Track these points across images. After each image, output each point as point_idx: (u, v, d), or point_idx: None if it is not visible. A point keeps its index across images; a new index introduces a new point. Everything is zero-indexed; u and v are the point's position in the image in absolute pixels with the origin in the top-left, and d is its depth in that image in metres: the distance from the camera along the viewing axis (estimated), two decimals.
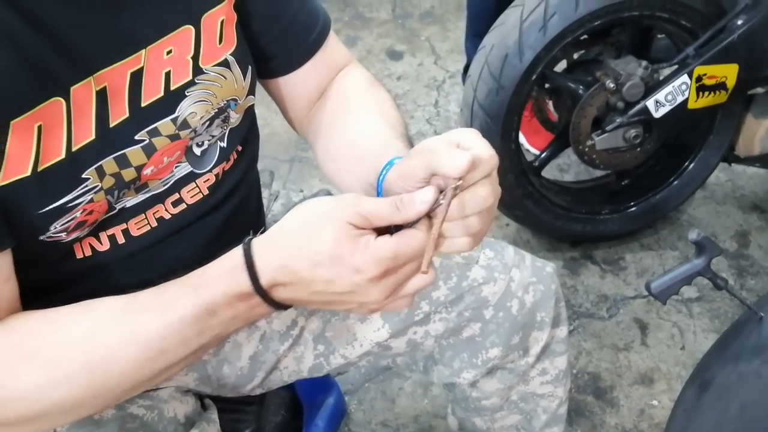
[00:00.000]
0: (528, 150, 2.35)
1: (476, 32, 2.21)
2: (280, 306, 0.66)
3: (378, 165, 0.76)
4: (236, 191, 0.90)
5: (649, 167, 2.01)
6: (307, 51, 0.90)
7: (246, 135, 0.89)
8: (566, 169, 2.33)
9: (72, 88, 0.67)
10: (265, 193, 1.12)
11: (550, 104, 1.99)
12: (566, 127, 1.76)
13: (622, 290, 1.97)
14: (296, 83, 0.92)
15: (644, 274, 2.01)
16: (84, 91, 0.68)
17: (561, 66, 1.86)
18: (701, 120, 1.83)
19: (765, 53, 1.64)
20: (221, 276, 0.65)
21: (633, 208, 2.01)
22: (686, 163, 1.97)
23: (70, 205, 0.70)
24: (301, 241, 0.62)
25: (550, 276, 1.02)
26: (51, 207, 0.69)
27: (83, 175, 0.70)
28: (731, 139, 1.92)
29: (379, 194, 0.76)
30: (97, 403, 0.69)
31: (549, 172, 2.21)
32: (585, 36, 1.67)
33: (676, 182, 1.99)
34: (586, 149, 1.73)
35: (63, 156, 0.68)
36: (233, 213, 0.90)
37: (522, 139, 2.36)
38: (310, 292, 0.64)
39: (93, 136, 0.70)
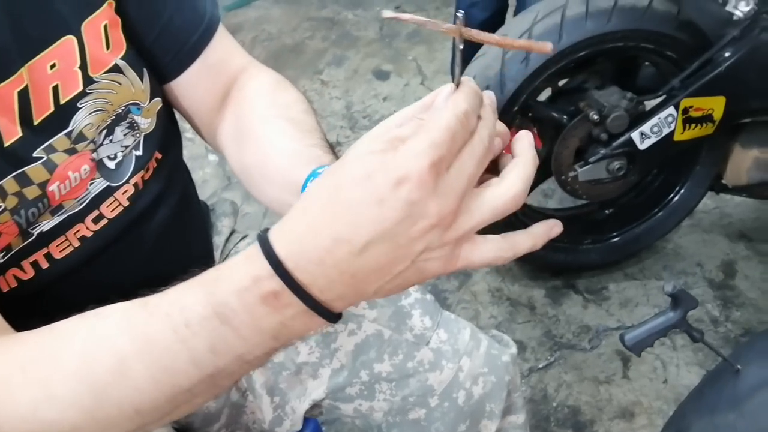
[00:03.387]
0: None
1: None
2: (321, 307, 0.48)
3: (296, 180, 0.70)
4: (162, 200, 0.85)
5: (633, 197, 1.98)
6: (191, 52, 0.84)
7: (164, 140, 0.85)
8: (550, 194, 2.30)
9: None
10: (225, 222, 1.08)
11: (534, 131, 1.96)
12: (549, 156, 1.74)
13: (605, 321, 1.94)
14: (186, 88, 0.86)
15: (627, 304, 1.98)
16: None
17: (546, 92, 1.84)
18: (687, 151, 1.80)
19: (752, 85, 1.61)
20: (233, 267, 0.50)
21: (616, 239, 1.98)
22: (671, 194, 1.95)
23: None
24: (324, 189, 0.48)
25: (504, 366, 0.98)
26: None
27: None
28: (719, 169, 1.90)
29: None
30: None
31: (533, 198, 2.19)
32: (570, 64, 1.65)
33: (660, 213, 1.96)
34: (569, 180, 1.71)
35: None
36: (166, 225, 0.86)
37: None
38: (355, 256, 0.46)
39: None
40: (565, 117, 1.68)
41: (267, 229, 0.49)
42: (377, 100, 2.73)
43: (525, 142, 0.52)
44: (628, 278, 2.06)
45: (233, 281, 0.49)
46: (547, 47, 0.51)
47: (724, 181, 1.92)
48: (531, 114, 1.76)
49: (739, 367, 0.96)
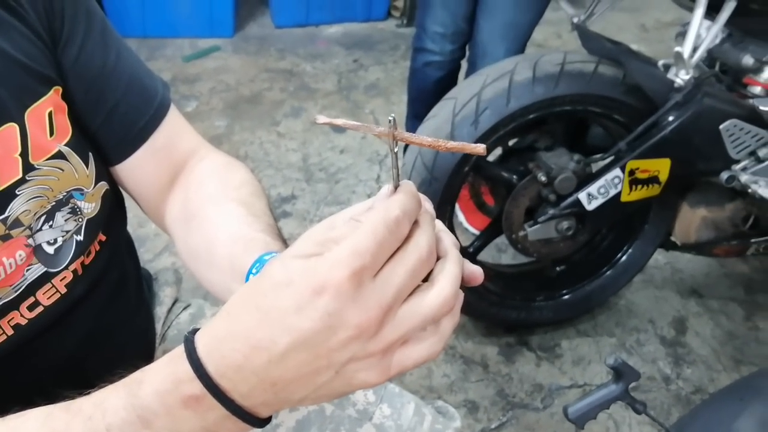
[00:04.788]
0: (467, 229, 2.33)
1: (416, 114, 2.22)
2: (244, 412, 0.47)
3: (241, 267, 0.69)
4: (101, 284, 0.82)
5: (584, 255, 2.00)
6: (139, 136, 0.82)
7: (107, 223, 0.82)
8: (504, 249, 2.31)
9: None
10: (167, 291, 1.05)
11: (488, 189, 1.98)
12: (500, 214, 1.74)
13: (558, 379, 1.93)
14: (133, 170, 0.84)
15: (580, 362, 1.98)
16: None
17: (497, 152, 1.86)
18: (636, 211, 1.82)
19: (696, 149, 1.64)
20: (156, 368, 0.49)
21: (567, 296, 1.99)
22: (621, 253, 1.97)
23: None
24: (247, 294, 0.47)
25: None
26: None
27: None
28: (668, 227, 1.92)
29: None
30: None
31: (486, 254, 2.19)
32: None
33: (610, 272, 1.97)
34: (519, 238, 1.71)
35: None
36: (104, 308, 0.83)
37: (461, 217, 2.34)
38: (274, 364, 0.45)
39: None
40: (514, 177, 1.70)
41: (195, 330, 0.49)
42: (334, 153, 2.73)
43: (447, 240, 0.51)
44: (581, 335, 2.06)
45: (155, 383, 0.48)
46: (480, 149, 0.50)
47: (673, 239, 1.95)
48: (482, 173, 1.78)
49: None
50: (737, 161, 1.66)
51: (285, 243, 0.73)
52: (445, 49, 2.12)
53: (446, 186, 1.60)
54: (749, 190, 1.67)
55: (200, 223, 0.80)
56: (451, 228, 1.75)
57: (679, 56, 1.52)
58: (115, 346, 0.87)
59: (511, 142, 1.87)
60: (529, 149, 1.79)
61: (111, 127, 0.81)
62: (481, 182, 1.97)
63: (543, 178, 1.61)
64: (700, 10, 1.49)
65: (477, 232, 2.23)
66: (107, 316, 0.84)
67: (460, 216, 2.35)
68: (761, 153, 1.65)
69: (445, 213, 1.67)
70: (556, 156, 1.64)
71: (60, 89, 0.75)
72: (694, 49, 1.55)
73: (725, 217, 1.85)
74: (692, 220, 1.86)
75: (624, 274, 2.00)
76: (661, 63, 1.65)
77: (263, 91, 3.11)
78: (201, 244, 0.78)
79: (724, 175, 1.66)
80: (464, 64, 2.25)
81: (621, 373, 0.94)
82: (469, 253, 1.88)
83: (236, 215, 0.77)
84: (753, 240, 1.88)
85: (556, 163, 1.62)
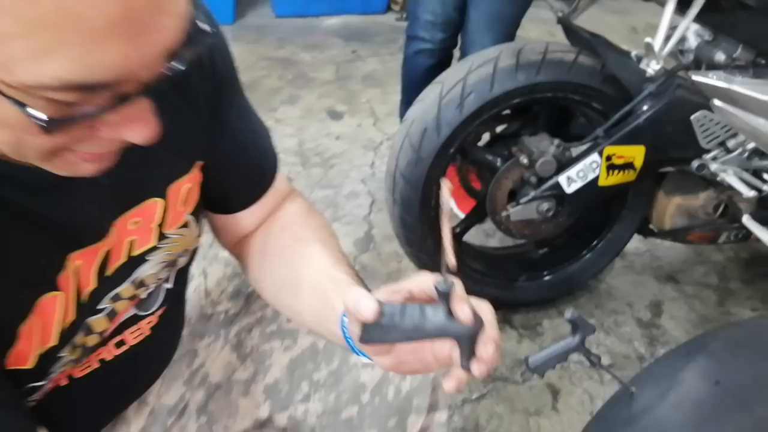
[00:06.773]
0: (457, 214, 2.42)
1: (409, 101, 2.30)
2: None
3: (332, 305, 0.75)
4: (173, 323, 0.92)
5: (566, 238, 2.09)
6: (261, 191, 0.91)
7: (187, 274, 0.91)
8: (492, 233, 2.40)
9: (57, 278, 0.67)
10: None
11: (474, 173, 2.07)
12: (486, 196, 1.83)
13: None
14: (244, 217, 0.92)
15: (560, 340, 2.06)
16: (67, 278, 0.68)
17: (485, 137, 1.95)
18: (614, 196, 1.92)
19: (669, 137, 1.73)
20: None
21: (548, 277, 2.08)
22: (599, 237, 2.06)
23: (45, 380, 0.71)
24: None
25: None
26: (30, 386, 0.69)
27: (59, 354, 0.70)
28: (646, 214, 2.02)
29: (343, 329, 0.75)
30: None
31: (475, 237, 2.28)
32: (507, 111, 1.76)
33: (589, 255, 2.07)
34: (502, 219, 1.80)
35: (56, 342, 0.68)
36: (172, 343, 0.95)
37: (452, 203, 2.43)
38: None
39: (74, 316, 0.69)
40: (498, 160, 1.79)
41: None
42: (329, 139, 2.81)
43: None
44: (562, 315, 2.13)
45: None
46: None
47: (651, 226, 2.04)
48: (469, 157, 1.87)
49: (633, 389, 1.05)
50: (708, 151, 1.75)
51: (363, 283, 0.80)
52: (435, 38, 2.21)
53: (431, 166, 1.69)
54: (718, 179, 1.76)
55: (290, 259, 0.87)
56: (437, 212, 1.82)
57: (649, 47, 1.61)
58: (165, 367, 0.99)
59: (498, 129, 1.96)
60: (515, 135, 1.88)
61: (242, 185, 0.89)
62: (469, 168, 2.06)
63: (525, 161, 1.71)
64: (670, 5, 1.59)
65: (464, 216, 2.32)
66: (172, 349, 0.95)
67: (450, 202, 2.44)
68: (730, 144, 1.74)
69: (430, 193, 1.76)
70: (538, 140, 1.73)
71: (201, 163, 0.81)
72: (666, 42, 1.64)
73: (698, 206, 1.94)
74: (667, 207, 1.95)
75: (603, 257, 2.09)
76: (634, 54, 1.74)
77: (261, 79, 3.19)
78: (288, 278, 0.86)
79: (695, 164, 1.76)
80: (457, 53, 2.34)
81: (577, 326, 1.03)
82: (455, 234, 1.97)
83: (321, 254, 0.84)
84: (724, 228, 1.98)
85: (538, 147, 1.71)
